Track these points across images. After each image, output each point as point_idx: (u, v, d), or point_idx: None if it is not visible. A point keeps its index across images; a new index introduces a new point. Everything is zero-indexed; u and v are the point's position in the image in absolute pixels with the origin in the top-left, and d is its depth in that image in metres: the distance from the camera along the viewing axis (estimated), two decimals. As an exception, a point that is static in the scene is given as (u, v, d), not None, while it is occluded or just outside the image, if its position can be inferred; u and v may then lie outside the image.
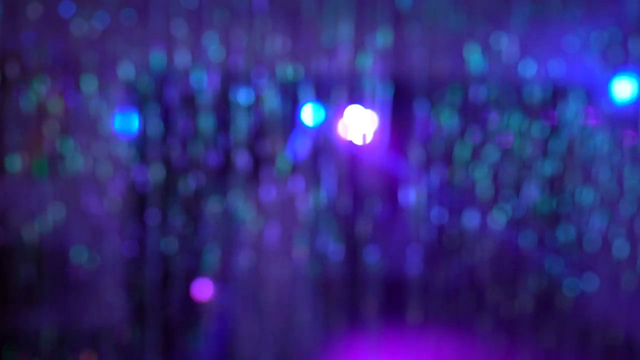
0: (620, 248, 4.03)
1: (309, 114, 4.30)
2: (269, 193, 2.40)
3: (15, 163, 3.44)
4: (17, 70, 3.34)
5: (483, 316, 4.49)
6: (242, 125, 3.19)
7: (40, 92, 3.46)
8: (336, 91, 3.98)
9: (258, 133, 2.61)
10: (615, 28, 3.81)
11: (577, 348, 4.21)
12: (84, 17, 3.40)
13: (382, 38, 3.53)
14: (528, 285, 4.40)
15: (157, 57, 3.50)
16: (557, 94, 4.08)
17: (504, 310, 4.40)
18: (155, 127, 3.68)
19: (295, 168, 2.51)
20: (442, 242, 4.74)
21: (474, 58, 3.69)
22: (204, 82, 3.60)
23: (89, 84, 3.56)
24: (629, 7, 3.59)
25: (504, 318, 4.42)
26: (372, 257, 3.92)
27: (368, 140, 4.70)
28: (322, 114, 4.41)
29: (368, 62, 3.63)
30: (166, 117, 3.77)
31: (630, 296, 4.20)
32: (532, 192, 4.30)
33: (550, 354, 4.35)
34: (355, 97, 3.94)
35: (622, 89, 4.11)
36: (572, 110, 4.22)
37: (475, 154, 4.24)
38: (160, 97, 3.76)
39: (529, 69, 3.83)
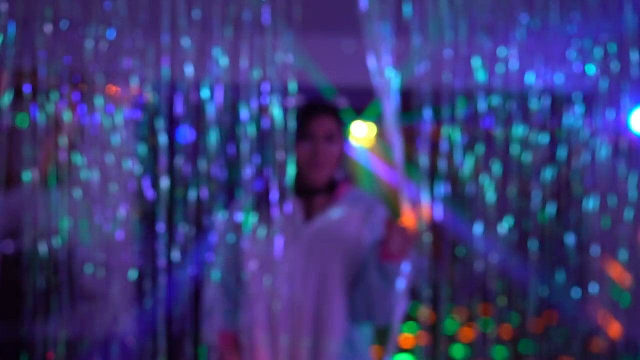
0: (623, 254, 4.07)
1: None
2: (277, 206, 2.44)
3: (28, 175, 3.50)
4: (31, 86, 3.40)
5: (488, 324, 4.52)
6: (249, 137, 3.25)
7: (52, 106, 3.52)
8: (342, 104, 4.03)
9: (265, 145, 2.65)
10: (616, 39, 3.86)
11: (580, 354, 4.24)
12: (94, 33, 3.46)
13: (387, 51, 3.58)
14: (531, 293, 4.44)
15: (165, 71, 3.56)
16: (559, 104, 4.14)
17: (509, 318, 4.43)
18: (164, 139, 3.74)
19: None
20: (448, 253, 4.78)
21: (477, 70, 3.74)
22: (212, 95, 3.66)
23: (99, 98, 3.62)
24: (628, 18, 3.65)
25: (509, 326, 4.45)
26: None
27: (374, 152, 4.75)
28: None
29: (372, 75, 3.68)
30: (174, 130, 3.82)
31: (632, 302, 4.23)
32: (536, 201, 4.34)
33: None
34: (361, 110, 4.00)
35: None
36: (574, 120, 4.27)
37: (480, 164, 4.30)
38: (169, 110, 3.82)
39: (531, 81, 3.89)
